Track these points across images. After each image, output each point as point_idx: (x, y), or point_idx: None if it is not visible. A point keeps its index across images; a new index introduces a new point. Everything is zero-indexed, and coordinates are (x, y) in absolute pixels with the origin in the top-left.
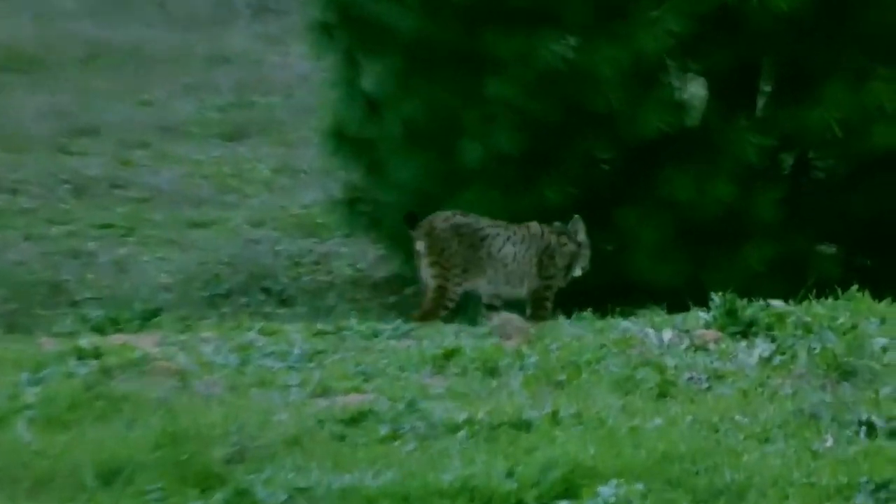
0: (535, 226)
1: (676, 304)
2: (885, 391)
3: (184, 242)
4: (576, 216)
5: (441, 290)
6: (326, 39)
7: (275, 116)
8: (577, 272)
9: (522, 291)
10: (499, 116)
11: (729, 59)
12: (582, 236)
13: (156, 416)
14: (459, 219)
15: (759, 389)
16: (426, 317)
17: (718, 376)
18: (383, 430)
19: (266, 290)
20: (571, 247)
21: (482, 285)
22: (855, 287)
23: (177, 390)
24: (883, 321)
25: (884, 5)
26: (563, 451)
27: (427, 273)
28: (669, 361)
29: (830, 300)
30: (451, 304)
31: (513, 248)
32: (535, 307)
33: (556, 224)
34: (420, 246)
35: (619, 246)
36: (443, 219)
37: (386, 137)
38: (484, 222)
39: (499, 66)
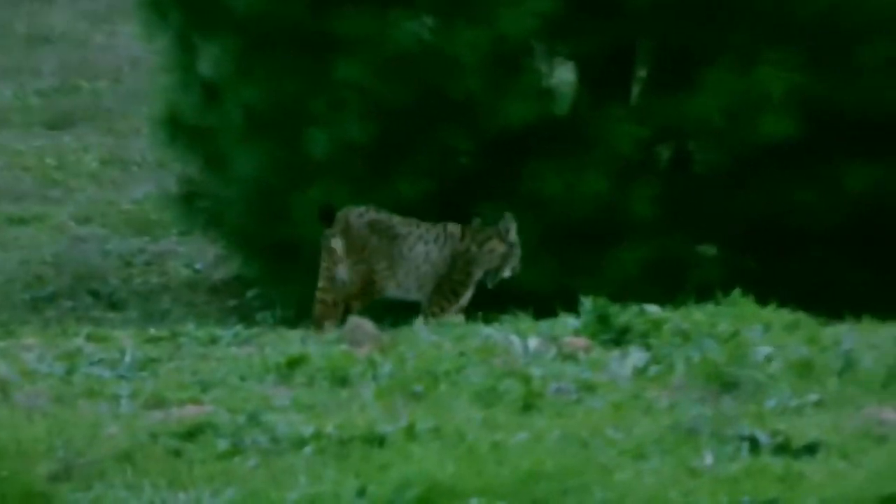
0: (452, 226)
1: (543, 309)
2: (769, 404)
3: (3, 241)
4: (507, 214)
5: (369, 284)
6: (158, 18)
7: (102, 103)
8: (507, 273)
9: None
10: (348, 103)
11: (601, 42)
12: (513, 236)
13: None
14: (374, 215)
15: (633, 402)
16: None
17: (589, 388)
18: (223, 445)
19: (94, 293)
20: (501, 248)
21: (391, 288)
22: (737, 291)
23: None
24: (767, 328)
25: None
26: (419, 468)
27: (344, 273)
28: (535, 371)
29: (711, 305)
30: (377, 297)
31: (424, 248)
32: (431, 305)
33: (475, 221)
34: (336, 244)
35: None
36: (357, 214)
37: (225, 126)
38: (396, 220)
39: (348, 48)
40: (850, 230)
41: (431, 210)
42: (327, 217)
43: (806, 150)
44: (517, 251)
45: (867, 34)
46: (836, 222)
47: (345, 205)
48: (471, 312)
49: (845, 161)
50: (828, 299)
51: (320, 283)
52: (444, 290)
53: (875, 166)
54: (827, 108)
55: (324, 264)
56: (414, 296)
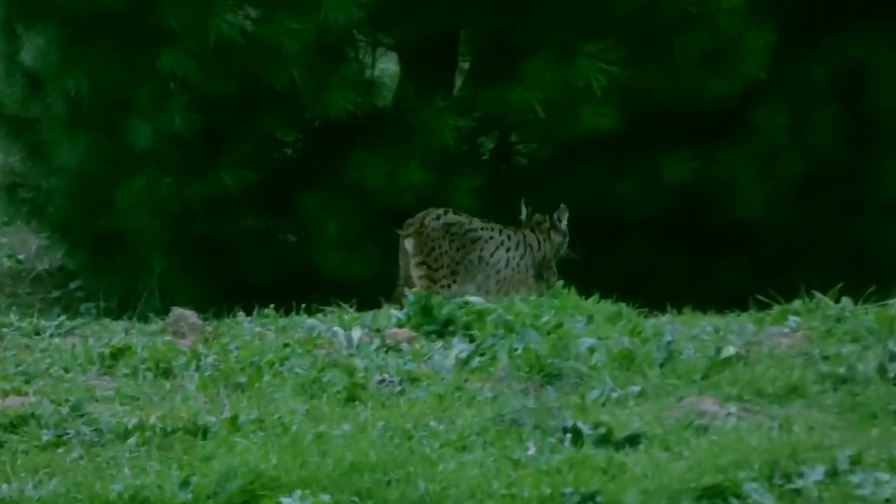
0: (529, 236)
1: (367, 300)
2: (591, 395)
3: None
4: (561, 205)
5: (431, 285)
6: None
7: None
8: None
9: None
10: (172, 94)
11: (424, 33)
12: (565, 224)
13: None
14: (451, 217)
15: (457, 394)
16: None
17: (412, 379)
18: (46, 436)
19: None
20: (557, 237)
21: (471, 291)
22: (560, 283)
23: None
24: (590, 319)
25: None
26: (242, 459)
27: (414, 273)
28: (359, 363)
29: (534, 297)
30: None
31: (506, 255)
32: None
33: (536, 216)
34: (408, 244)
35: (304, 237)
36: (434, 217)
37: (49, 117)
38: (476, 223)
39: (171, 39)
40: (669, 222)
41: (255, 201)
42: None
43: (626, 142)
44: (567, 238)
45: (684, 27)
46: (656, 214)
47: (168, 198)
48: (292, 304)
49: (664, 153)
50: (649, 291)
51: (399, 281)
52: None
53: (693, 158)
54: (646, 101)
55: (401, 263)
56: (494, 296)
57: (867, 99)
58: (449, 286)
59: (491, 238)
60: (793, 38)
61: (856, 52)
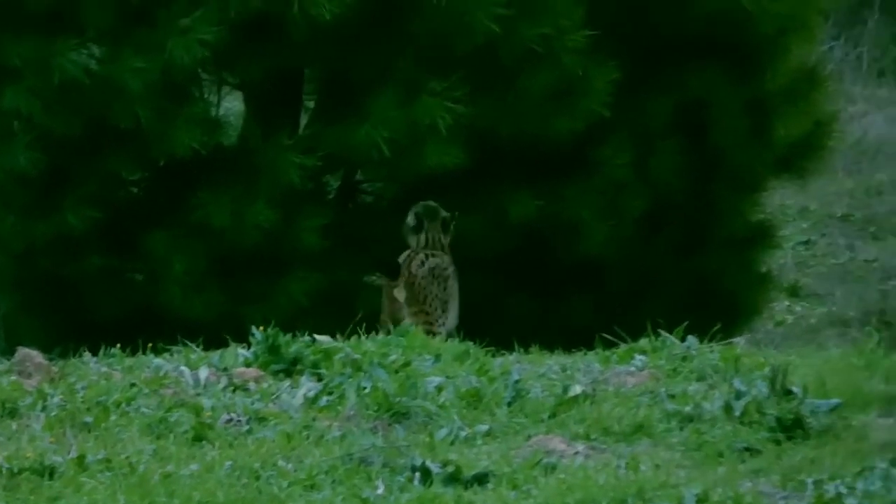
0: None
1: (214, 339)
2: (440, 434)
3: None
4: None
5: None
6: None
7: None
8: None
9: None
10: (15, 132)
11: (268, 71)
12: None
13: None
14: (433, 261)
15: (305, 433)
16: None
17: (260, 418)
18: None
19: None
20: None
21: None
22: (407, 321)
23: None
24: (437, 358)
25: (429, 10)
26: (90, 499)
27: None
28: (206, 402)
29: (381, 335)
30: None
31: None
32: None
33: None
34: (399, 295)
35: (149, 275)
36: (419, 263)
37: None
38: (446, 259)
39: (14, 77)
40: (515, 259)
41: (101, 239)
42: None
43: (471, 180)
44: None
45: (528, 65)
46: (502, 251)
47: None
48: (138, 343)
49: (509, 191)
50: (496, 329)
51: (382, 315)
52: None
53: (537, 196)
54: (490, 139)
55: (385, 301)
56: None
57: (709, 135)
58: (443, 324)
59: (453, 270)
60: (635, 75)
61: (697, 88)
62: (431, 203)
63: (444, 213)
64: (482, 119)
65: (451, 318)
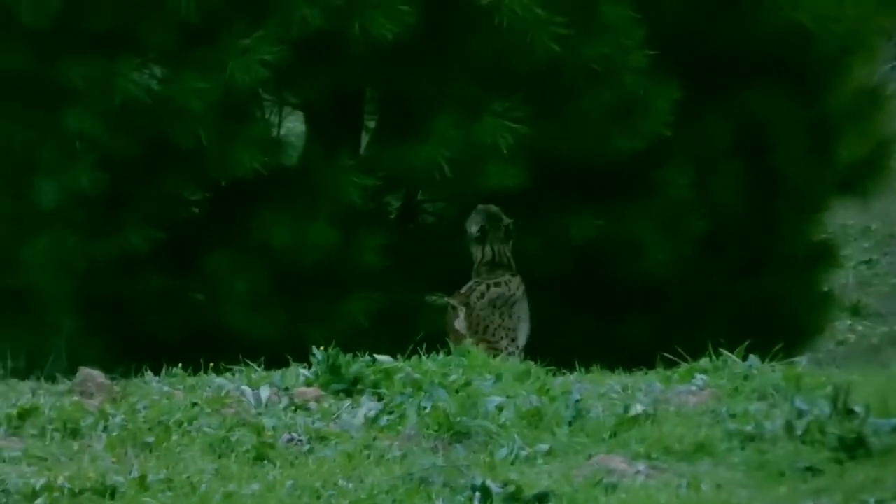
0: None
1: (275, 359)
2: (500, 454)
3: None
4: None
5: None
6: None
7: None
8: None
9: None
10: (78, 152)
11: (329, 91)
12: None
13: None
14: (494, 292)
15: (365, 452)
16: None
17: (321, 438)
18: None
19: None
20: None
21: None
22: (468, 341)
23: None
24: (498, 378)
25: (489, 30)
26: None
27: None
28: (267, 422)
29: (442, 355)
30: None
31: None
32: None
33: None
34: (459, 325)
35: (211, 295)
36: (478, 295)
37: None
38: (513, 284)
39: (76, 98)
40: (575, 279)
41: (162, 259)
42: None
43: (532, 200)
44: None
45: (589, 85)
46: (562, 271)
47: (76, 257)
48: (200, 363)
49: (570, 211)
50: (556, 349)
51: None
52: None
53: (598, 216)
54: (551, 159)
55: (449, 328)
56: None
57: (769, 155)
58: (514, 352)
59: (521, 291)
60: (696, 95)
61: (758, 109)
62: (493, 207)
63: (505, 220)
64: (543, 139)
65: (522, 339)
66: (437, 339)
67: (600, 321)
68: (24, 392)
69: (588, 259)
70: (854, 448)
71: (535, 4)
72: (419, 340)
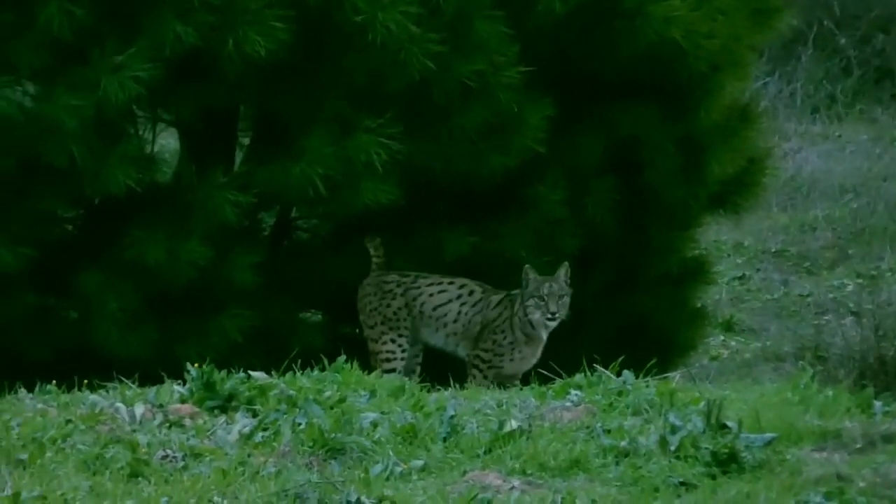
0: None
1: (149, 376)
2: (375, 470)
3: None
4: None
5: None
6: None
7: None
8: None
9: None
10: None
11: (203, 108)
12: None
13: None
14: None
15: (240, 468)
16: None
17: (195, 454)
18: None
19: None
20: None
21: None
22: (342, 358)
23: None
24: (373, 394)
25: (363, 47)
26: None
27: None
28: (142, 439)
29: (317, 372)
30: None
31: None
32: None
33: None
34: None
35: (84, 313)
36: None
37: None
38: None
39: None
40: None
41: (35, 277)
42: None
43: (406, 218)
44: None
45: (463, 102)
46: None
47: None
48: (73, 380)
49: (444, 228)
50: (431, 364)
51: None
52: None
53: (472, 233)
54: (425, 176)
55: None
56: None
57: (642, 173)
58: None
59: None
60: (569, 113)
61: (630, 126)
62: None
63: None
64: (417, 156)
65: None
66: (312, 356)
67: None
68: None
69: (462, 275)
70: (727, 463)
71: (409, 21)
72: (294, 357)
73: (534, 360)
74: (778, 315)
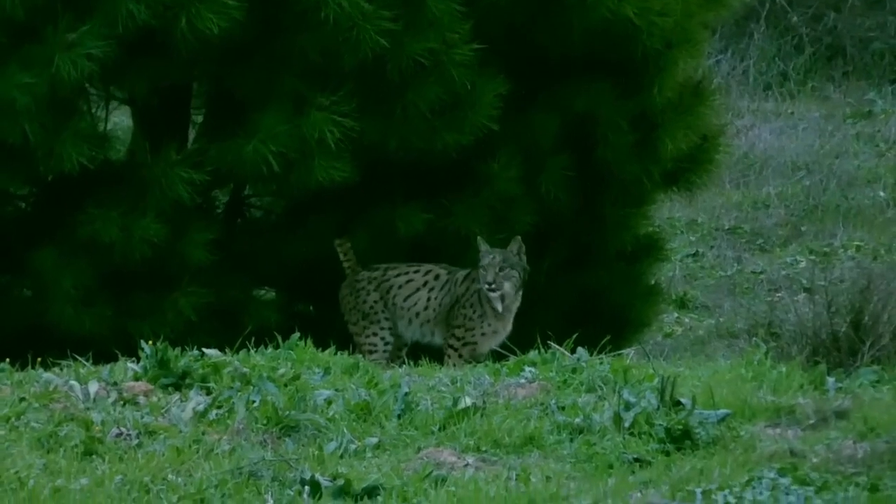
0: None
1: (103, 354)
2: (329, 447)
3: None
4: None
5: None
6: None
7: None
8: None
9: None
10: None
11: (156, 86)
12: None
13: None
14: None
15: (194, 446)
16: None
17: (150, 432)
18: None
19: None
20: None
21: None
22: (296, 335)
23: None
24: (327, 371)
25: (316, 25)
26: None
27: None
28: (96, 416)
29: (271, 349)
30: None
31: None
32: None
33: None
34: None
35: (37, 291)
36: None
37: None
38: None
39: None
40: None
41: None
42: None
43: (360, 195)
44: None
45: (416, 79)
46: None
47: None
48: (27, 358)
49: (398, 205)
50: None
51: None
52: None
53: (426, 210)
54: (380, 153)
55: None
56: None
57: (595, 150)
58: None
59: None
60: (523, 90)
61: (583, 104)
62: None
63: None
64: (371, 133)
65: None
66: (266, 333)
67: None
68: None
69: (417, 253)
70: (681, 439)
71: None
72: (248, 334)
73: (504, 335)
74: (731, 292)
